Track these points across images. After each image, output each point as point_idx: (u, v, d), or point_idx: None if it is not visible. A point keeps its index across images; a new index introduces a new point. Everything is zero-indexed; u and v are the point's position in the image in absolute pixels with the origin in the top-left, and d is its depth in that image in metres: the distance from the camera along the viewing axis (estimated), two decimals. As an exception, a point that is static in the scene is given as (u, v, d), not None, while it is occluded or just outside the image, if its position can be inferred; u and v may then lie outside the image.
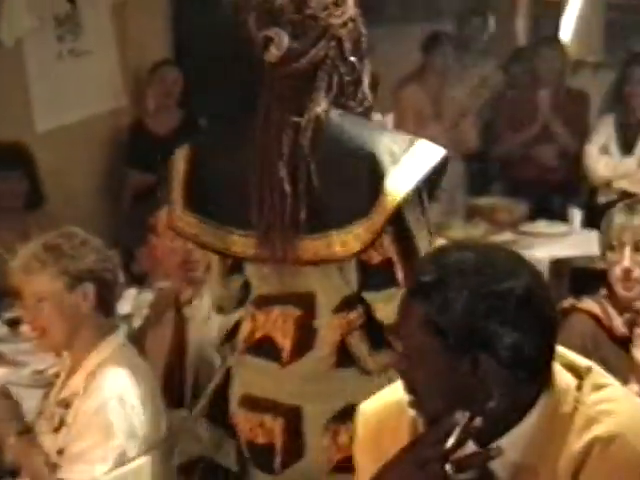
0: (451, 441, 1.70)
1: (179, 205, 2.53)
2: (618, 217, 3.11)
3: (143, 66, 6.32)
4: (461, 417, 1.71)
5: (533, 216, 6.00)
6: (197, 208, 2.51)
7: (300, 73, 2.39)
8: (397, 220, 2.36)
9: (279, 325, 2.51)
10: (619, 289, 3.07)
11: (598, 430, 1.76)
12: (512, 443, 1.78)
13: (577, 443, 1.77)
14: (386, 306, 2.38)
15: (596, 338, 2.99)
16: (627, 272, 3.04)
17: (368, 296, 2.47)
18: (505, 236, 5.76)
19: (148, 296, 4.01)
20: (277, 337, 2.52)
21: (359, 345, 2.48)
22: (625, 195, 5.95)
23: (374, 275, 2.44)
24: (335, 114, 2.41)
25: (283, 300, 2.51)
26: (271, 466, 2.50)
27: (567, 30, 8.68)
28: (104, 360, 2.78)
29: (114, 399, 2.70)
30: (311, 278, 2.48)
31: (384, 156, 2.33)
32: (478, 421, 1.70)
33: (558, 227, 5.87)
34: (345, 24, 2.44)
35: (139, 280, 4.43)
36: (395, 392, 1.96)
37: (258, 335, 2.55)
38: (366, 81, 2.51)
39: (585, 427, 1.77)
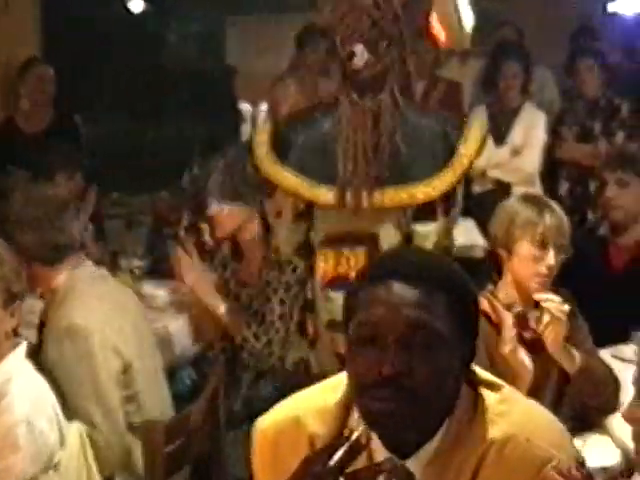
0: (335, 458, 1.70)
1: (270, 162, 3.36)
2: (534, 215, 3.11)
3: (11, 65, 6.17)
4: (349, 434, 1.72)
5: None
6: (288, 165, 3.33)
7: (374, 74, 3.25)
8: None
9: (351, 264, 3.29)
10: (533, 284, 3.11)
11: (494, 432, 1.81)
12: (421, 457, 1.82)
13: (478, 446, 1.81)
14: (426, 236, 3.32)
15: (486, 335, 3.02)
16: (552, 270, 3.11)
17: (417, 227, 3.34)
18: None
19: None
20: (350, 274, 3.25)
21: None
22: (499, 184, 6.10)
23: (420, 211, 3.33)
24: (402, 101, 3.31)
25: (351, 241, 3.31)
26: None
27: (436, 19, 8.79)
28: (9, 379, 2.68)
29: (23, 423, 2.61)
30: (375, 222, 3.30)
31: (452, 130, 3.31)
32: (364, 438, 1.72)
33: (436, 217, 5.90)
34: (402, 34, 3.30)
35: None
36: (292, 407, 1.97)
37: (333, 274, 3.32)
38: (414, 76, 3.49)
39: (484, 430, 1.82)
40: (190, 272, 3.79)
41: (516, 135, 6.08)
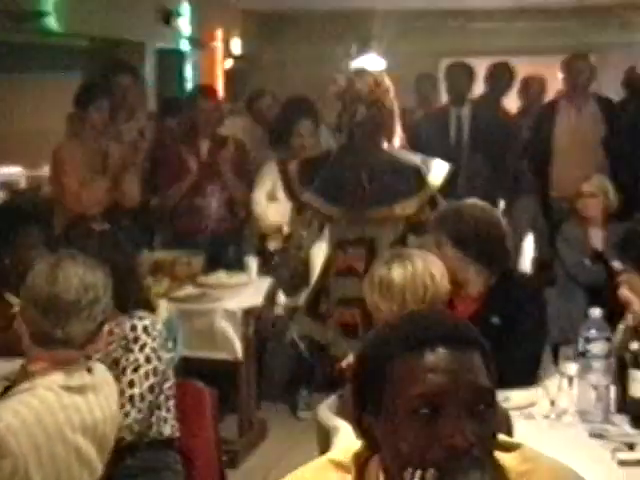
0: None
1: (300, 190, 4.70)
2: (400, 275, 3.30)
3: None
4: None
5: (208, 268, 5.94)
6: (311, 190, 4.62)
7: (368, 127, 4.56)
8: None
9: (356, 259, 4.53)
10: None
11: None
12: None
13: None
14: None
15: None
16: None
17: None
18: (187, 290, 5.65)
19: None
20: (356, 265, 4.53)
21: None
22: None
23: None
24: (387, 146, 4.62)
25: (355, 244, 4.56)
26: (356, 334, 4.40)
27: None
28: None
29: None
30: (373, 230, 4.54)
31: (422, 166, 4.53)
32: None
33: (239, 277, 5.84)
34: (387, 100, 4.59)
35: None
36: None
37: (344, 266, 4.58)
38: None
39: None
40: None
41: (310, 191, 6.12)
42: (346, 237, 4.63)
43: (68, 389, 2.83)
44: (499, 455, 1.81)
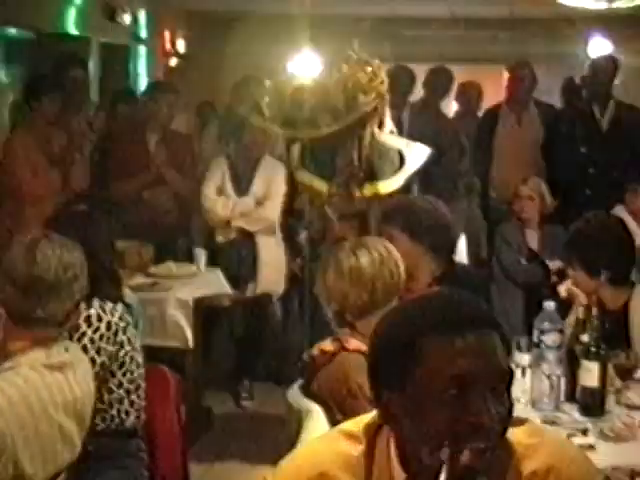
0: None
1: (299, 168, 5.24)
2: (369, 263, 3.36)
3: None
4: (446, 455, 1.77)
5: (158, 259, 6.02)
6: (306, 170, 5.18)
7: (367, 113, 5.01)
8: None
9: (347, 229, 4.94)
10: None
11: (531, 465, 1.87)
12: None
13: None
14: None
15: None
16: None
17: None
18: (138, 280, 5.72)
19: None
20: (347, 235, 4.64)
21: None
22: (243, 233, 6.24)
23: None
24: (379, 133, 5.08)
25: (349, 217, 5.02)
26: None
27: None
28: None
29: None
30: (364, 204, 4.99)
31: (405, 149, 5.04)
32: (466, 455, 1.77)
33: (188, 268, 5.94)
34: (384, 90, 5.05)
35: None
36: (316, 462, 1.94)
37: (339, 236, 4.77)
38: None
39: (517, 464, 1.88)
40: None
41: (258, 186, 6.23)
42: (340, 212, 5.05)
43: (50, 367, 2.84)
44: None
